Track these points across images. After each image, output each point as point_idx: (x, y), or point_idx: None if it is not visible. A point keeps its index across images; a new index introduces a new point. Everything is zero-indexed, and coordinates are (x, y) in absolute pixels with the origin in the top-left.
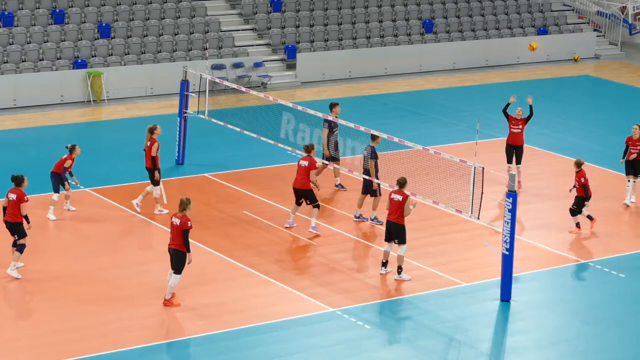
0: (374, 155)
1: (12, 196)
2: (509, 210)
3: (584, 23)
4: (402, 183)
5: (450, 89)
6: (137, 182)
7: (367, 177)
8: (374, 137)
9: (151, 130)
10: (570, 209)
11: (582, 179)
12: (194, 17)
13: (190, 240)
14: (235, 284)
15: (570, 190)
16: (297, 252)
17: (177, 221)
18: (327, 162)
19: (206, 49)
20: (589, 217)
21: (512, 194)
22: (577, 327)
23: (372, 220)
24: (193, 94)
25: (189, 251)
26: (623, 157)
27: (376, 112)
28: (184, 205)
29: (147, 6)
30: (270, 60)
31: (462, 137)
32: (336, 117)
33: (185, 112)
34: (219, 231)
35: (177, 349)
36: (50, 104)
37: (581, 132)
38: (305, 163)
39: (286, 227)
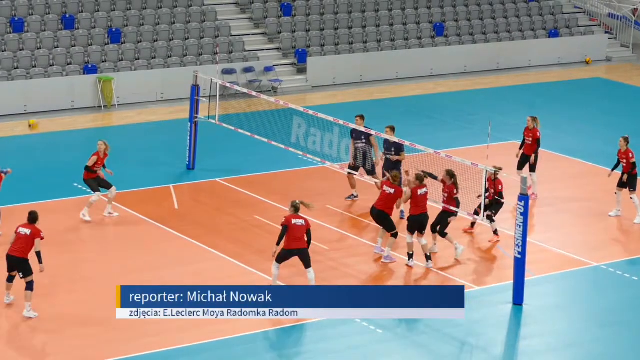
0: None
1: (25, 231)
2: (521, 214)
3: (595, 25)
4: (421, 177)
5: (462, 92)
6: (147, 188)
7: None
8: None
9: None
10: (488, 216)
11: (500, 186)
12: (205, 21)
13: (200, 244)
14: None
15: (479, 196)
16: None
17: (302, 222)
18: (353, 172)
19: (216, 53)
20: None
21: (524, 197)
22: (590, 330)
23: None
24: (204, 99)
25: (308, 246)
26: (613, 169)
27: (387, 116)
28: (296, 207)
29: (158, 11)
30: (280, 65)
31: (473, 141)
32: (364, 127)
33: (196, 117)
34: (230, 236)
35: (188, 355)
36: (60, 109)
37: (592, 134)
38: (390, 190)
39: (375, 253)
